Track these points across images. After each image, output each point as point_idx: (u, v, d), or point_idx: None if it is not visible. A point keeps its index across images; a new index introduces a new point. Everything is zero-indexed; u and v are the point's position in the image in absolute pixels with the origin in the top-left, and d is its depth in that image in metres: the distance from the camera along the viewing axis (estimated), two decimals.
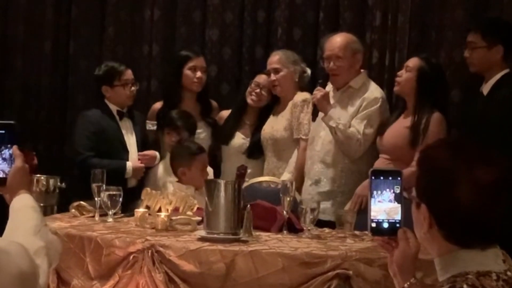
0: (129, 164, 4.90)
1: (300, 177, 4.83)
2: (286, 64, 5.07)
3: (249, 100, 5.22)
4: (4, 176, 2.26)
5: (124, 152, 4.96)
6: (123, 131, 5.01)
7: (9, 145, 2.29)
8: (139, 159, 4.95)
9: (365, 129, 4.59)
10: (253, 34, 5.80)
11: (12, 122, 2.34)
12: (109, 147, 4.91)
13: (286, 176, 4.84)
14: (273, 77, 5.06)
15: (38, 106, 6.15)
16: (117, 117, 5.01)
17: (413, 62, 4.50)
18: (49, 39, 6.17)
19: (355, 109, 4.66)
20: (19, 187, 2.22)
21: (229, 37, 5.85)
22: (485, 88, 4.37)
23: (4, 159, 2.28)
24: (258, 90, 5.17)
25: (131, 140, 5.04)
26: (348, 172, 4.64)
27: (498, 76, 4.33)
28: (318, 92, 4.60)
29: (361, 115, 4.63)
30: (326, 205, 4.52)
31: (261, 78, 5.20)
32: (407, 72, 4.47)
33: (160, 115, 5.28)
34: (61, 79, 6.20)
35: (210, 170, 4.81)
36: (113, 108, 5.01)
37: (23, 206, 2.17)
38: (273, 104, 5.24)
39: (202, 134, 5.21)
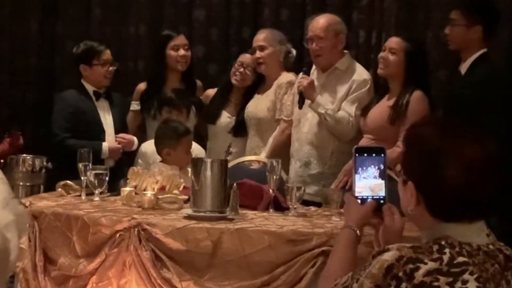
0: (105, 145, 4.90)
1: (273, 156, 4.81)
2: (272, 43, 5.07)
3: (233, 80, 5.24)
4: None
5: (101, 133, 4.96)
6: (100, 112, 5.00)
7: None
8: (116, 141, 4.94)
9: (356, 111, 4.60)
10: (240, 15, 5.81)
11: None
12: (86, 128, 4.90)
13: (263, 155, 4.86)
14: (258, 54, 5.07)
15: (25, 87, 6.13)
16: (94, 98, 5.00)
17: (397, 43, 4.47)
18: (36, 20, 6.15)
19: (345, 91, 4.66)
20: None
21: (216, 18, 5.85)
22: (463, 68, 4.37)
23: None
24: (242, 70, 5.18)
25: (107, 121, 5.03)
26: (338, 153, 4.63)
27: (475, 55, 4.32)
28: (304, 80, 4.60)
29: (351, 98, 4.64)
30: (317, 187, 4.55)
31: (245, 57, 5.21)
32: (393, 54, 4.45)
33: (144, 96, 5.29)
34: (48, 60, 6.19)
35: (201, 150, 4.81)
36: (90, 88, 5.00)
37: None
38: (258, 83, 5.25)
39: None
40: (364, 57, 5.15)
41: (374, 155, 2.22)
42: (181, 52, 5.25)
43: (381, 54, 4.53)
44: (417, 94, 4.36)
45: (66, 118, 4.85)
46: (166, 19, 5.94)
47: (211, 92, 5.43)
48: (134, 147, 4.98)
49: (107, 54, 5.03)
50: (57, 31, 6.18)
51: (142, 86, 5.39)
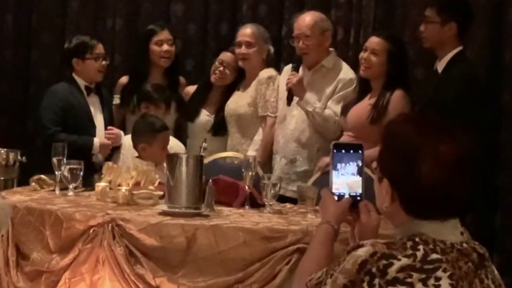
0: (96, 141, 4.87)
1: (266, 154, 4.84)
2: (259, 41, 5.06)
3: (212, 79, 5.22)
4: None
5: (91, 128, 4.93)
6: (91, 107, 4.97)
7: None
8: (105, 136, 4.92)
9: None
10: (219, 10, 5.77)
11: None
12: (76, 123, 4.87)
13: (251, 154, 4.84)
14: (244, 50, 5.03)
15: (0, 80, 6.07)
16: (85, 93, 4.97)
17: (379, 44, 4.48)
18: (11, 12, 6.08)
19: (331, 90, 4.70)
20: None
21: (194, 13, 5.81)
22: (439, 66, 4.38)
23: None
24: (221, 68, 5.16)
25: (98, 116, 5.01)
26: (324, 151, 4.64)
27: (451, 54, 4.33)
28: (293, 77, 4.62)
29: (337, 97, 4.68)
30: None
31: (225, 56, 5.19)
32: (375, 55, 4.46)
33: (126, 90, 5.26)
34: (23, 52, 6.13)
35: (181, 147, 4.78)
36: (81, 83, 4.97)
37: None
38: (238, 82, 5.23)
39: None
40: (342, 54, 5.12)
41: (352, 151, 2.22)
42: (165, 47, 5.23)
43: (363, 54, 4.52)
44: (398, 93, 4.38)
45: (56, 112, 4.82)
46: (143, 13, 5.89)
47: (191, 89, 5.40)
48: (122, 141, 4.93)
49: (100, 48, 5.01)
50: (32, 23, 6.11)
51: (124, 79, 5.36)
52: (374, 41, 4.53)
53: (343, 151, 2.21)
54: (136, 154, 4.46)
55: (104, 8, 5.99)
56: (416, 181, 1.87)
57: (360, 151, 2.22)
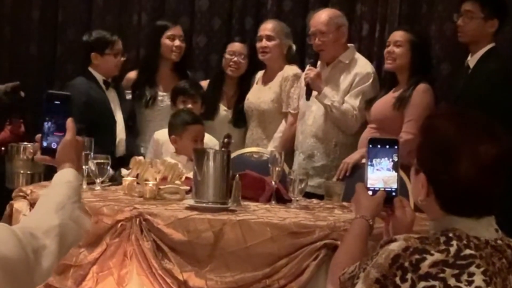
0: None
1: (285, 151, 4.82)
2: (280, 35, 5.07)
3: (228, 72, 5.22)
4: (56, 147, 2.16)
5: (113, 124, 4.94)
6: (110, 101, 4.98)
7: (64, 117, 2.19)
8: None
9: (360, 104, 4.63)
10: (243, 5, 5.79)
11: (68, 93, 2.25)
12: (98, 117, 4.84)
13: (270, 148, 4.85)
14: (264, 43, 5.04)
15: (26, 75, 6.09)
16: (104, 87, 4.98)
17: (401, 36, 4.50)
18: (37, 8, 6.12)
19: (348, 85, 4.69)
20: (64, 160, 2.12)
21: (219, 7, 5.83)
22: (471, 62, 4.36)
23: (59, 131, 2.17)
24: (235, 59, 5.16)
25: (117, 111, 5.02)
26: (342, 146, 4.66)
27: (484, 49, 4.31)
28: (311, 72, 4.62)
29: (355, 91, 4.67)
30: (320, 179, 4.57)
31: (233, 46, 5.21)
32: (398, 47, 4.47)
33: (136, 84, 5.28)
34: (49, 48, 6.16)
35: (215, 142, 4.76)
36: (99, 77, 4.97)
37: (59, 181, 2.07)
38: (252, 72, 5.25)
39: None
40: (367, 49, 5.13)
41: (387, 146, 2.21)
42: (177, 42, 5.23)
43: (387, 49, 4.54)
44: (422, 86, 4.37)
45: (79, 108, 4.79)
46: (168, 8, 5.91)
47: (204, 84, 5.37)
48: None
49: (119, 44, 5.02)
50: (58, 19, 6.15)
51: (131, 74, 5.37)
52: (396, 34, 4.56)
53: (379, 146, 2.21)
54: (171, 148, 4.48)
55: (129, 3, 6.03)
56: (453, 179, 1.85)
57: (395, 146, 2.21)
